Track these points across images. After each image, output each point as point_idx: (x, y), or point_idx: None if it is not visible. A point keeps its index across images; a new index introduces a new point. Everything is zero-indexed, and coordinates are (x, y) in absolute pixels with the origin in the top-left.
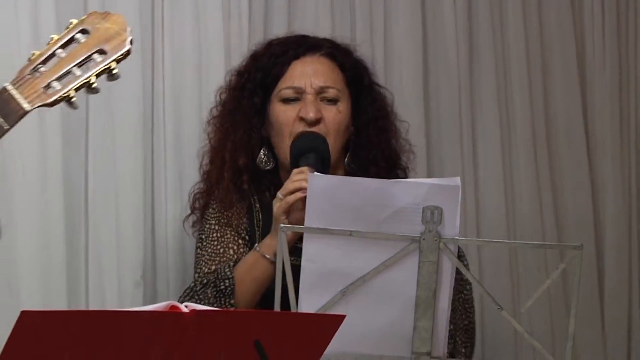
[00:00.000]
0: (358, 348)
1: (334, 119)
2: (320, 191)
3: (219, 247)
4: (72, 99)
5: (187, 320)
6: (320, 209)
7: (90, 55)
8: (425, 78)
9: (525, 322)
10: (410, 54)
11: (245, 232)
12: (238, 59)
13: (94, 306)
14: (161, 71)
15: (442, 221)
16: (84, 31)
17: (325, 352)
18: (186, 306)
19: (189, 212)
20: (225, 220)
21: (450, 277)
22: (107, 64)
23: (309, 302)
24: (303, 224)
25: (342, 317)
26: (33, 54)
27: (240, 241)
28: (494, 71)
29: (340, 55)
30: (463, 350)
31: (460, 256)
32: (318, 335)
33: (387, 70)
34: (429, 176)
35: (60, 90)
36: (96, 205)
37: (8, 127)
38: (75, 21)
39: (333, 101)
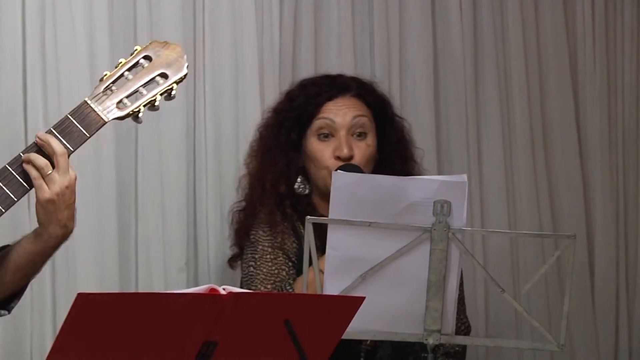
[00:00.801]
0: (376, 326)
1: (364, 153)
2: (342, 187)
3: (273, 268)
4: (139, 114)
5: (225, 302)
6: (342, 203)
7: (153, 78)
8: (435, 88)
9: (524, 303)
10: (422, 68)
11: (294, 255)
12: (270, 81)
13: (142, 289)
14: (202, 87)
15: (451, 213)
16: (147, 57)
17: (347, 329)
18: (224, 289)
19: (226, 209)
20: (278, 244)
21: (458, 263)
22: (169, 86)
23: (332, 285)
24: None
25: (362, 298)
26: (105, 74)
27: (290, 263)
28: (497, 82)
29: (366, 94)
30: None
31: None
32: (341, 314)
33: (402, 82)
34: (439, 174)
35: (130, 106)
36: (144, 202)
37: (88, 136)
38: (139, 48)
39: (362, 135)
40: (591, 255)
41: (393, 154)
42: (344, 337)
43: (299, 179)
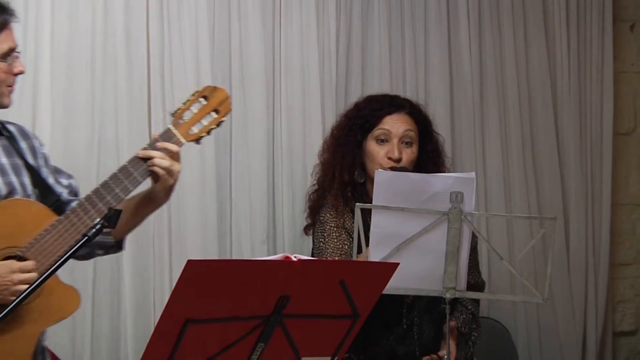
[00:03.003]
0: (407, 284)
1: (409, 157)
2: (382, 182)
3: (338, 243)
4: (201, 139)
5: (296, 266)
6: (382, 193)
7: (209, 113)
8: (451, 108)
9: (517, 268)
10: (441, 93)
11: (351, 232)
12: (328, 102)
13: (235, 257)
14: (279, 107)
15: (463, 201)
16: (204, 97)
17: (386, 287)
18: (295, 256)
19: (296, 197)
20: (341, 224)
21: (469, 238)
22: (220, 119)
23: (375, 255)
24: None
25: (397, 264)
26: (178, 109)
27: (350, 239)
28: (496, 102)
29: (415, 113)
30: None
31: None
32: (381, 276)
33: (426, 103)
34: (453, 171)
35: (197, 133)
36: (236, 192)
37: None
38: (199, 91)
39: (409, 144)
40: (567, 231)
41: (428, 160)
42: (384, 292)
43: (357, 171)
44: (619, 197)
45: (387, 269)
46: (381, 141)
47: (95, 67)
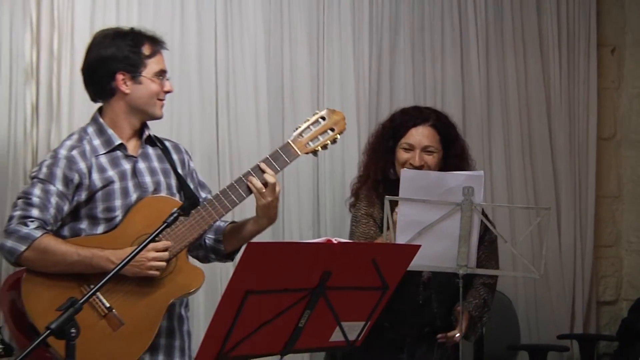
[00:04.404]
0: (427, 262)
1: (430, 163)
2: (407, 178)
3: (365, 229)
4: (317, 152)
5: (336, 247)
6: (407, 188)
7: (326, 131)
8: (464, 119)
9: (518, 249)
10: (455, 107)
11: (380, 221)
12: (363, 114)
13: (286, 240)
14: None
15: (473, 194)
16: (322, 117)
17: (410, 265)
18: (335, 240)
19: (337, 194)
20: (370, 213)
21: (477, 225)
22: (335, 136)
23: (401, 238)
24: None
25: (419, 246)
26: (299, 127)
27: (376, 226)
28: (500, 114)
29: (439, 123)
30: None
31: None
32: (406, 256)
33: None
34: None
35: (313, 147)
36: (288, 187)
37: (289, 162)
38: (318, 112)
39: (430, 153)
40: (559, 219)
41: (452, 163)
42: (408, 269)
43: (392, 170)
44: (602, 191)
45: (411, 249)
46: (405, 150)
47: (173, 82)
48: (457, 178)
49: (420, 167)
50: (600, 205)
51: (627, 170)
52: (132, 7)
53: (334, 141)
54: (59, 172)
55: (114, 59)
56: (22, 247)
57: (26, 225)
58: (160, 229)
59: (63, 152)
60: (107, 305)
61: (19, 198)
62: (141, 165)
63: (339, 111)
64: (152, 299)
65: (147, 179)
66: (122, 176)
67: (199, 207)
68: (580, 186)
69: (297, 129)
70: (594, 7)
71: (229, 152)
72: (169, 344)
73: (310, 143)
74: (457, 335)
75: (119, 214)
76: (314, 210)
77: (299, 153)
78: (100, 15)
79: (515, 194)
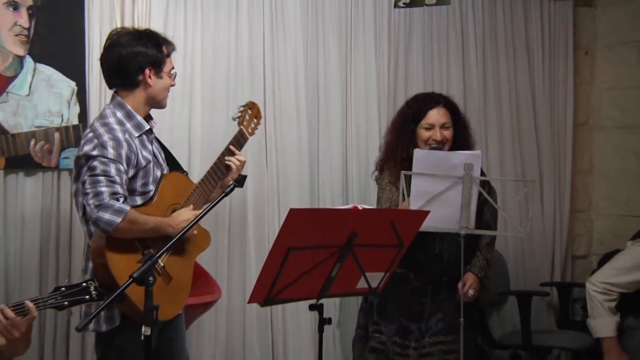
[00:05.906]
0: (435, 224)
1: (447, 138)
2: (419, 157)
3: (390, 194)
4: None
5: (361, 213)
6: (420, 164)
7: (253, 119)
8: (465, 109)
9: (509, 213)
10: (457, 99)
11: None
12: (383, 105)
13: (321, 206)
14: (351, 111)
15: (473, 169)
16: (250, 109)
17: (421, 226)
18: (361, 206)
19: (362, 172)
20: (393, 182)
21: (476, 195)
22: (258, 123)
23: (414, 205)
24: None
25: (428, 211)
26: (240, 116)
27: (398, 193)
28: (494, 108)
29: (449, 105)
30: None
31: (490, 189)
32: (418, 219)
33: None
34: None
35: (251, 132)
36: (323, 166)
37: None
38: (246, 105)
39: (447, 128)
40: (542, 189)
41: (461, 138)
42: (420, 230)
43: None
44: (577, 166)
45: (422, 214)
46: (426, 129)
47: (229, 84)
48: (459, 156)
49: (441, 142)
50: (575, 178)
51: (598, 150)
52: (197, 20)
53: (257, 127)
54: (123, 153)
55: (145, 55)
56: (119, 219)
57: (117, 200)
58: (220, 198)
59: (120, 135)
60: (162, 265)
61: (97, 175)
62: (155, 146)
63: (256, 103)
64: (185, 257)
65: (161, 159)
66: (151, 156)
67: (202, 179)
68: (559, 163)
69: (238, 118)
70: (571, 18)
71: (274, 139)
72: None
73: (249, 129)
74: (471, 292)
75: (152, 188)
76: (343, 182)
77: (248, 136)
78: (171, 26)
79: (506, 169)
